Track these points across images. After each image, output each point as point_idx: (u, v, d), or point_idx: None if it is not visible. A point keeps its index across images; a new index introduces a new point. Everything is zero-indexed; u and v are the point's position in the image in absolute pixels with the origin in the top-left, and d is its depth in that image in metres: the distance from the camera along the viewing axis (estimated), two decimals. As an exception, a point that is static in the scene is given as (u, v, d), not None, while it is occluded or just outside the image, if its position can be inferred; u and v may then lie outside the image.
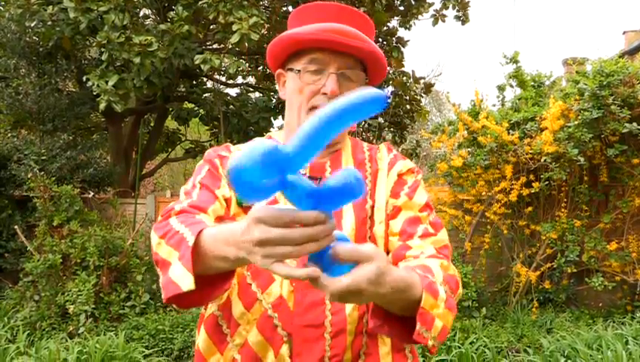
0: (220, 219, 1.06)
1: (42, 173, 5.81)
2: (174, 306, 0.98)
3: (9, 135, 7.73)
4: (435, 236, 1.08)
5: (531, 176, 5.32)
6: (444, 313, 0.92)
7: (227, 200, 1.11)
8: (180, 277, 0.87)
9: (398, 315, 0.91)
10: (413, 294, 0.88)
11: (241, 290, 1.05)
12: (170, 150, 10.66)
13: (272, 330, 1.01)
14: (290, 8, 7.42)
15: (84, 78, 5.99)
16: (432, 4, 7.62)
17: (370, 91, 0.69)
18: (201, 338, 1.10)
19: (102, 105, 5.59)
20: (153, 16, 7.60)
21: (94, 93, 5.83)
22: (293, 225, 0.71)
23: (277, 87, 1.23)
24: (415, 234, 1.07)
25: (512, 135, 5.29)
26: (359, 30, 1.11)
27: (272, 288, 1.03)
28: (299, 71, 1.12)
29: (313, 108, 1.10)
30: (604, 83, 4.92)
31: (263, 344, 1.02)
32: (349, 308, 1.02)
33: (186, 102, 8.64)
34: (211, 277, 0.91)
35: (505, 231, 5.66)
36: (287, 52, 1.15)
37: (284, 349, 1.00)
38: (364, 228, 1.09)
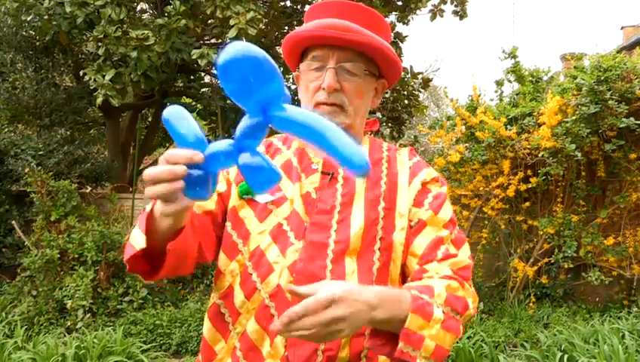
0: (206, 214, 1.10)
1: (39, 168, 5.79)
2: (149, 280, 1.02)
3: (6, 130, 7.70)
4: (456, 257, 1.08)
5: (529, 172, 5.32)
6: (439, 334, 0.93)
7: (222, 194, 1.14)
8: (135, 239, 0.92)
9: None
10: (407, 307, 0.91)
11: (242, 280, 1.07)
12: (167, 145, 10.64)
13: (269, 320, 1.02)
14: (287, 3, 7.39)
15: (81, 73, 5.96)
16: (430, -1, 7.59)
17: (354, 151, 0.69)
18: (205, 327, 1.13)
19: (99, 100, 5.57)
20: (150, 11, 7.57)
21: (91, 88, 5.81)
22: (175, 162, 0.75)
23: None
24: (435, 259, 1.07)
25: (510, 130, 5.29)
26: (365, 25, 1.10)
27: (270, 278, 1.04)
28: (301, 69, 1.15)
29: (317, 104, 1.11)
30: (602, 78, 4.92)
31: (260, 333, 1.03)
32: None
33: (184, 96, 8.61)
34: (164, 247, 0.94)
35: (502, 227, 5.67)
36: (296, 52, 1.18)
37: (279, 339, 1.01)
38: (375, 228, 1.08)
